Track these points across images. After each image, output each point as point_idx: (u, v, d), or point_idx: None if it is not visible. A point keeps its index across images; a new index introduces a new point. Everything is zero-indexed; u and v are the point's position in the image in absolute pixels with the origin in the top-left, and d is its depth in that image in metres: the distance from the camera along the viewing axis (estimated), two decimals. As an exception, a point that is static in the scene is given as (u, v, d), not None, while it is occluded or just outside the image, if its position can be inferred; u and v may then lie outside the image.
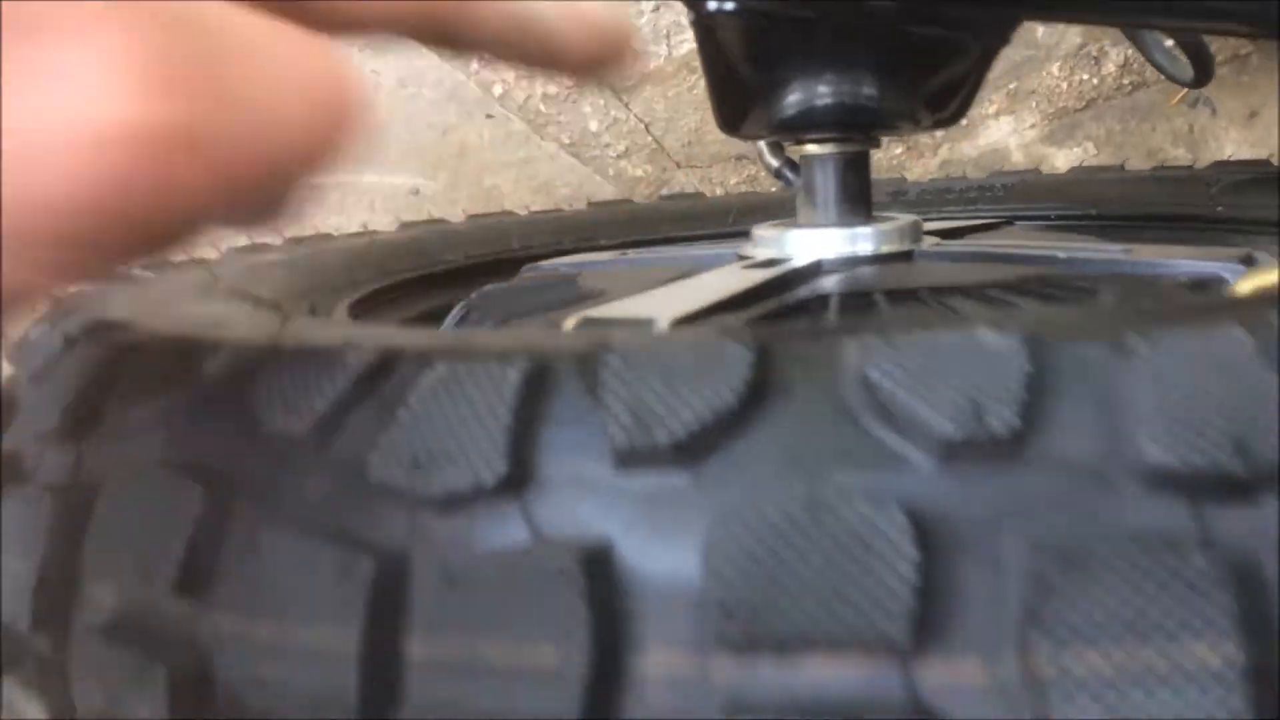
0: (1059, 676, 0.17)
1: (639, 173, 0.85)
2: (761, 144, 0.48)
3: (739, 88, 0.42)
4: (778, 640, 0.17)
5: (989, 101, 0.82)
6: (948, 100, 0.43)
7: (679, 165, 0.85)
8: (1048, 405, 0.19)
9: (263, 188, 0.16)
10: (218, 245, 0.56)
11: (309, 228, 0.75)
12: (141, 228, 0.15)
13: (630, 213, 0.73)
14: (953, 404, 0.18)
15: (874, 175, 0.46)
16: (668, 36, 0.84)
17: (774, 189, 0.78)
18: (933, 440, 0.18)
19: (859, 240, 0.43)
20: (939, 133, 0.82)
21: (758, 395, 0.19)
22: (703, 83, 0.44)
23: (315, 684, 0.20)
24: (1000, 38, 0.42)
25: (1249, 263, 0.36)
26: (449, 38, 0.22)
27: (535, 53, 0.23)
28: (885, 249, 0.42)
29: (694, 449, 0.19)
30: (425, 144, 0.86)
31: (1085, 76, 0.81)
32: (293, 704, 0.20)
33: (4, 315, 0.15)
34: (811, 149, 0.44)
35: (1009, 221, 0.60)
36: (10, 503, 0.26)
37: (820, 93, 0.41)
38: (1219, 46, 0.82)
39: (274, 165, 0.16)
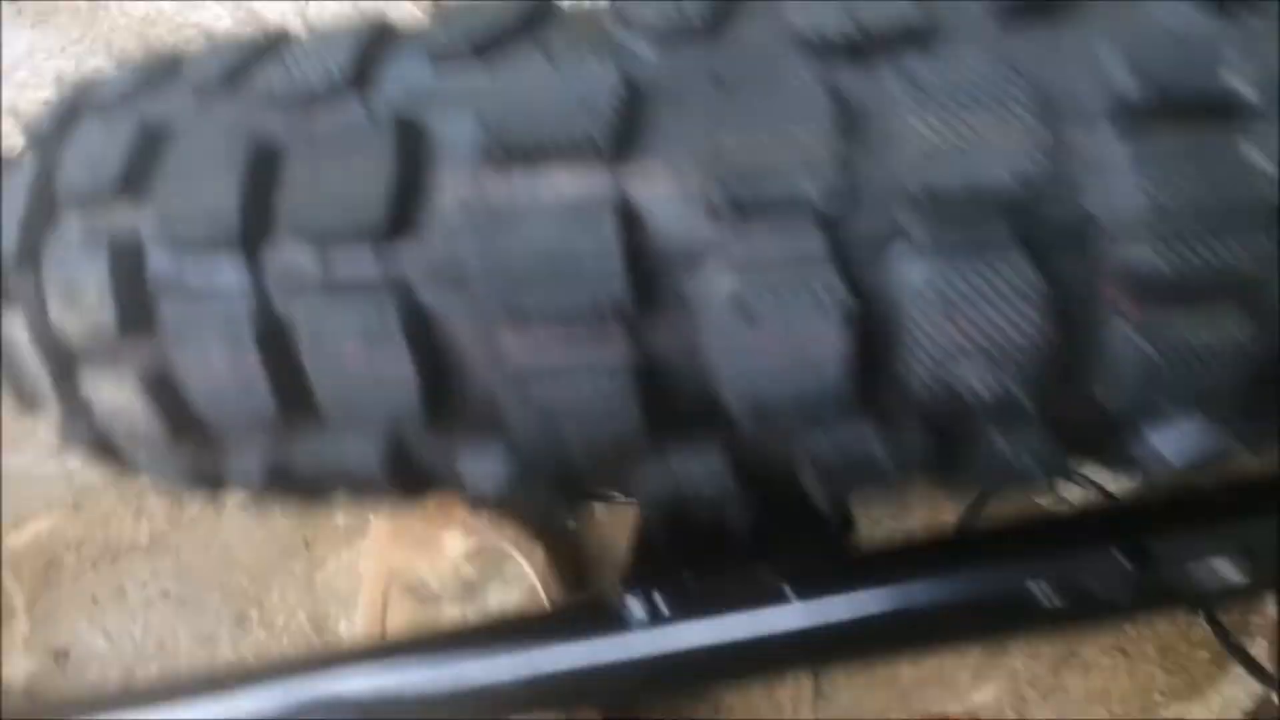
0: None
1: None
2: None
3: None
4: (525, 154, 0.24)
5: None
6: None
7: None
8: (733, 3, 0.26)
9: None
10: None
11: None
12: None
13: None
14: (665, 5, 0.26)
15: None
16: None
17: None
18: (650, 31, 0.26)
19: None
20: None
21: (531, 17, 0.27)
22: None
23: (213, 236, 0.27)
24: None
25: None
26: None
27: None
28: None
29: (487, 47, 0.26)
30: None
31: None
32: (200, 261, 0.27)
33: None
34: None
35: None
36: (10, 181, 0.34)
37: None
38: None
39: None
